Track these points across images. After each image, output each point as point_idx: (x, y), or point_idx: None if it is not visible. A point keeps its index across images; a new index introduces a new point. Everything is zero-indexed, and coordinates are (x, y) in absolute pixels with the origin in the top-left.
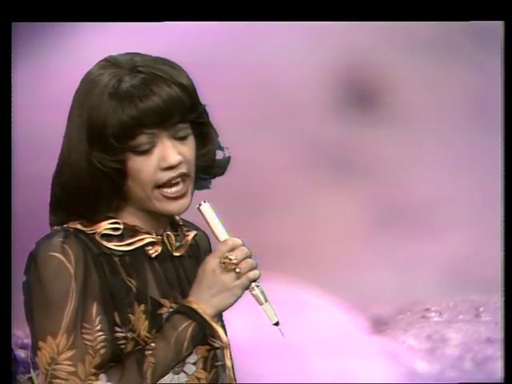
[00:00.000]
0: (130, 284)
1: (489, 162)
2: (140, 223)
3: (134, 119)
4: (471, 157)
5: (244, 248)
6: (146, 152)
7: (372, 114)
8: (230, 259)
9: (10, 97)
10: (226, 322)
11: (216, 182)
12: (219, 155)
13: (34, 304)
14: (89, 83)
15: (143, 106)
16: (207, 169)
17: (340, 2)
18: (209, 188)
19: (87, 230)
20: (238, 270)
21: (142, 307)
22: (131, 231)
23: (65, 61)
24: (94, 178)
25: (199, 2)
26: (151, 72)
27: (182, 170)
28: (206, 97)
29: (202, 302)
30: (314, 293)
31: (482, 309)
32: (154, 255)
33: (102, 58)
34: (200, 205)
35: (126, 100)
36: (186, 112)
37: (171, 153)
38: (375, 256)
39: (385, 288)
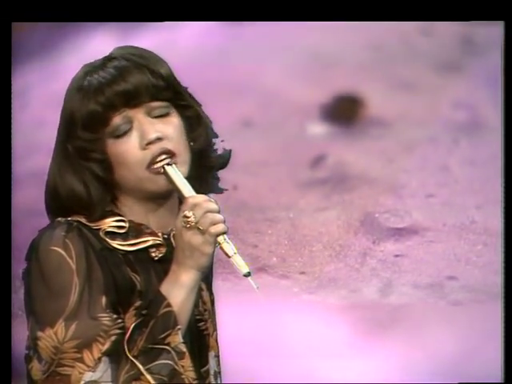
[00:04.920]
0: (135, 280)
1: (479, 166)
2: (147, 219)
3: (101, 105)
4: (462, 161)
5: (203, 203)
6: (124, 133)
7: (358, 122)
8: (188, 217)
9: (9, 96)
10: (219, 321)
11: None
12: (219, 149)
13: (34, 295)
14: (70, 83)
15: (110, 90)
16: (204, 157)
17: (335, 3)
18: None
19: (91, 224)
20: (200, 227)
21: (138, 303)
22: (136, 231)
23: (65, 61)
24: (80, 179)
25: (198, 2)
26: (125, 59)
27: (164, 146)
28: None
29: (181, 265)
30: (305, 296)
31: (477, 315)
32: (156, 258)
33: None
34: (164, 167)
35: (93, 90)
36: (157, 91)
37: (148, 128)
38: (363, 261)
39: (373, 290)
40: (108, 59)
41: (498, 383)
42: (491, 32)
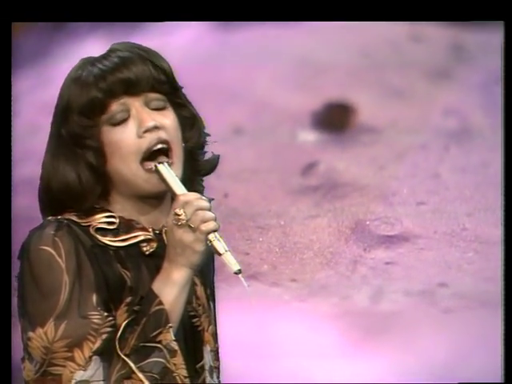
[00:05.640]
0: (125, 276)
1: (469, 173)
2: (138, 218)
3: (102, 92)
4: (452, 168)
5: (194, 201)
6: (121, 122)
7: (348, 130)
8: (179, 215)
9: (10, 97)
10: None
11: None
12: (208, 154)
13: (26, 296)
14: (67, 75)
15: (112, 77)
16: (194, 159)
17: (331, 3)
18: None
19: (82, 221)
20: (191, 224)
21: (129, 299)
22: (127, 226)
23: (65, 61)
24: (73, 168)
25: (196, 3)
26: (128, 51)
27: (161, 135)
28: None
29: (172, 263)
30: (296, 303)
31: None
32: (147, 252)
33: None
34: (156, 166)
35: (93, 77)
36: (156, 83)
37: (146, 117)
38: (354, 268)
39: (364, 298)
40: (110, 51)
41: (498, 383)
42: (482, 38)
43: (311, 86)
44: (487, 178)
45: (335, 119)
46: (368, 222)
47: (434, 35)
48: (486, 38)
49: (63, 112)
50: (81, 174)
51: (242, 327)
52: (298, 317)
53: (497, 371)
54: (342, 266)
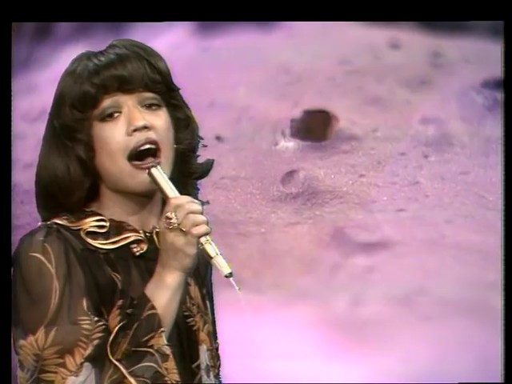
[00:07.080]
0: (116, 279)
1: (448, 181)
2: (128, 218)
3: (95, 86)
4: (432, 175)
5: (186, 204)
6: (112, 117)
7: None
8: (170, 218)
9: (10, 96)
10: None
11: None
12: (201, 159)
13: (18, 303)
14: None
15: (106, 73)
16: (186, 162)
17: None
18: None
19: (72, 226)
20: (182, 228)
21: (120, 302)
22: (117, 228)
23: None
24: (63, 161)
25: (195, 4)
26: (126, 48)
27: (150, 135)
28: None
29: (165, 267)
30: (276, 309)
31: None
32: (137, 254)
33: None
34: (149, 169)
35: (88, 72)
36: (151, 82)
37: (137, 116)
38: (333, 275)
39: (344, 304)
40: (109, 46)
41: (498, 383)
42: (461, 46)
43: (291, 93)
44: (466, 186)
45: (315, 127)
46: (348, 229)
47: (413, 42)
48: (466, 46)
49: (57, 104)
50: (70, 165)
51: (224, 332)
52: (279, 322)
53: (477, 376)
54: (321, 273)
